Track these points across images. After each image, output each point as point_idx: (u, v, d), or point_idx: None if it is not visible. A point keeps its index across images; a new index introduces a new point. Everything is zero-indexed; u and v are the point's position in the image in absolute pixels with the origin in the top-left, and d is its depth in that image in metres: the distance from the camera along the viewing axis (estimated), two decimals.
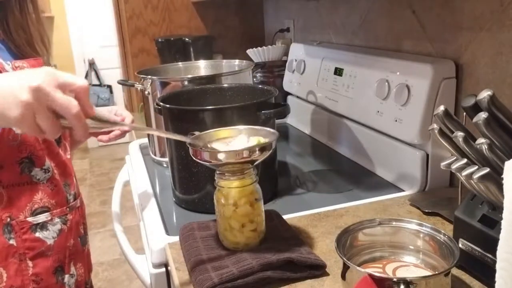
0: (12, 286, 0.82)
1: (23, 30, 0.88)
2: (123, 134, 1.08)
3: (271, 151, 0.76)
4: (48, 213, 0.86)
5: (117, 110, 1.12)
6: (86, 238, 0.99)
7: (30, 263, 0.84)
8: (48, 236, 0.86)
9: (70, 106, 0.59)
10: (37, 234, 0.84)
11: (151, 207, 1.04)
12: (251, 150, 0.74)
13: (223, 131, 0.82)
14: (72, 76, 0.62)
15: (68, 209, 0.90)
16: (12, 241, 0.82)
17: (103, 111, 1.12)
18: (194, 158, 0.76)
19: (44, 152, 0.86)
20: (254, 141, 0.80)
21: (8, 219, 0.82)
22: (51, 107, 0.59)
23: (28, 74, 0.61)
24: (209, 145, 0.79)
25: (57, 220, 0.87)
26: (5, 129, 0.80)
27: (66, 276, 0.90)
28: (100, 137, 1.08)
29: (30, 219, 0.84)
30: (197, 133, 0.81)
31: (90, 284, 1.02)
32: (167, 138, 1.06)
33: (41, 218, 0.85)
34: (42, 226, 0.85)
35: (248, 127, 0.83)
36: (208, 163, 0.75)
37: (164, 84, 1.28)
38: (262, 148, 0.75)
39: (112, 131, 1.07)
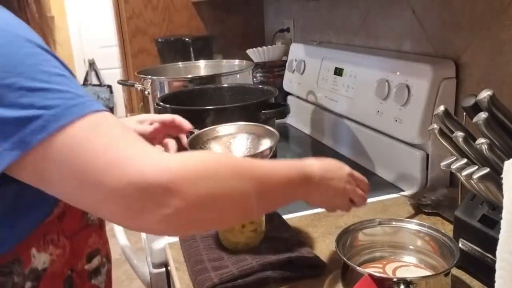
0: None
1: None
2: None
3: (271, 153, 0.76)
4: (99, 255, 0.76)
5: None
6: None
7: None
8: (101, 280, 0.77)
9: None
10: (93, 281, 0.75)
11: None
12: (252, 156, 0.74)
13: (223, 128, 0.82)
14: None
15: (107, 243, 0.80)
16: None
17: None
18: None
19: None
20: (254, 141, 0.80)
21: (69, 272, 0.70)
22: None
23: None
24: (208, 144, 0.79)
25: (104, 260, 0.78)
26: None
27: None
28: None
29: (87, 266, 0.73)
30: (196, 131, 0.82)
31: None
32: None
33: (95, 262, 0.75)
34: (96, 271, 0.76)
35: (248, 124, 0.83)
36: None
37: (164, 84, 1.28)
38: (263, 151, 0.75)
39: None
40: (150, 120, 0.90)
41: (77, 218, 0.70)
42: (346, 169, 0.72)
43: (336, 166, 0.71)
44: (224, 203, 0.54)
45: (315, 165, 0.67)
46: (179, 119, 0.90)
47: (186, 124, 0.89)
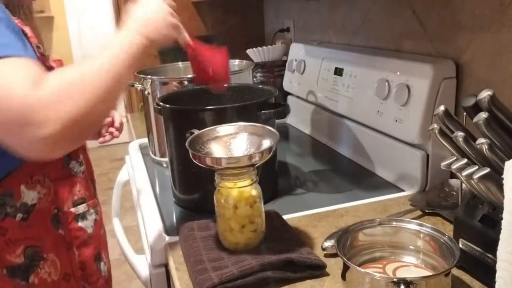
0: (66, 274, 0.87)
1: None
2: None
3: (271, 153, 0.76)
4: (85, 204, 0.91)
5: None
6: (105, 230, 1.03)
7: (76, 252, 0.88)
8: (87, 225, 0.91)
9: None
10: (80, 224, 0.89)
11: (151, 207, 1.04)
12: (251, 156, 0.74)
13: (223, 128, 0.82)
14: None
15: (97, 200, 0.96)
16: (60, 231, 0.86)
17: None
18: (193, 161, 0.76)
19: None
20: (254, 141, 0.80)
21: (56, 211, 0.85)
22: None
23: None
24: (208, 145, 0.79)
25: (92, 210, 0.93)
26: None
27: (101, 263, 0.95)
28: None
29: (72, 209, 0.88)
30: (196, 131, 0.81)
31: None
32: (167, 138, 1.05)
33: (81, 208, 0.90)
34: (83, 216, 0.90)
35: (248, 124, 0.83)
36: (208, 167, 0.75)
37: (164, 84, 1.28)
38: (263, 151, 0.75)
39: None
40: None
41: (58, 166, 0.86)
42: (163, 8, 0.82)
43: (150, 11, 0.79)
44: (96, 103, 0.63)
45: (131, 24, 0.76)
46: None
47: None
